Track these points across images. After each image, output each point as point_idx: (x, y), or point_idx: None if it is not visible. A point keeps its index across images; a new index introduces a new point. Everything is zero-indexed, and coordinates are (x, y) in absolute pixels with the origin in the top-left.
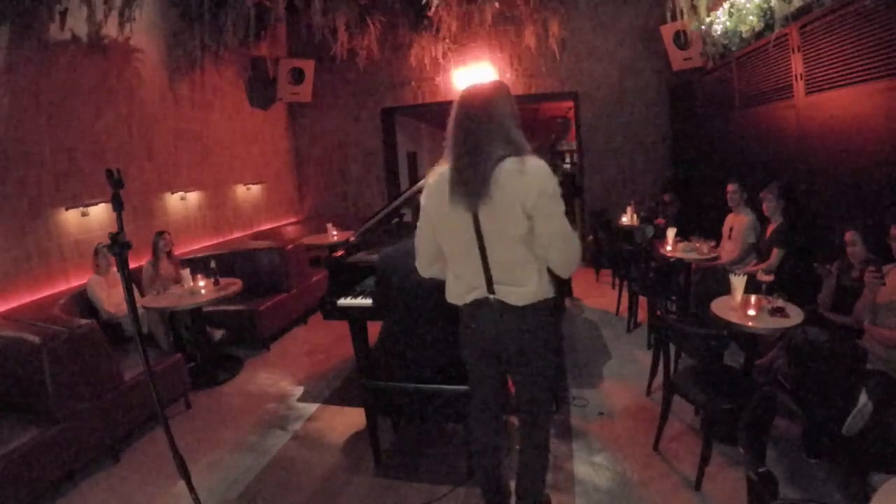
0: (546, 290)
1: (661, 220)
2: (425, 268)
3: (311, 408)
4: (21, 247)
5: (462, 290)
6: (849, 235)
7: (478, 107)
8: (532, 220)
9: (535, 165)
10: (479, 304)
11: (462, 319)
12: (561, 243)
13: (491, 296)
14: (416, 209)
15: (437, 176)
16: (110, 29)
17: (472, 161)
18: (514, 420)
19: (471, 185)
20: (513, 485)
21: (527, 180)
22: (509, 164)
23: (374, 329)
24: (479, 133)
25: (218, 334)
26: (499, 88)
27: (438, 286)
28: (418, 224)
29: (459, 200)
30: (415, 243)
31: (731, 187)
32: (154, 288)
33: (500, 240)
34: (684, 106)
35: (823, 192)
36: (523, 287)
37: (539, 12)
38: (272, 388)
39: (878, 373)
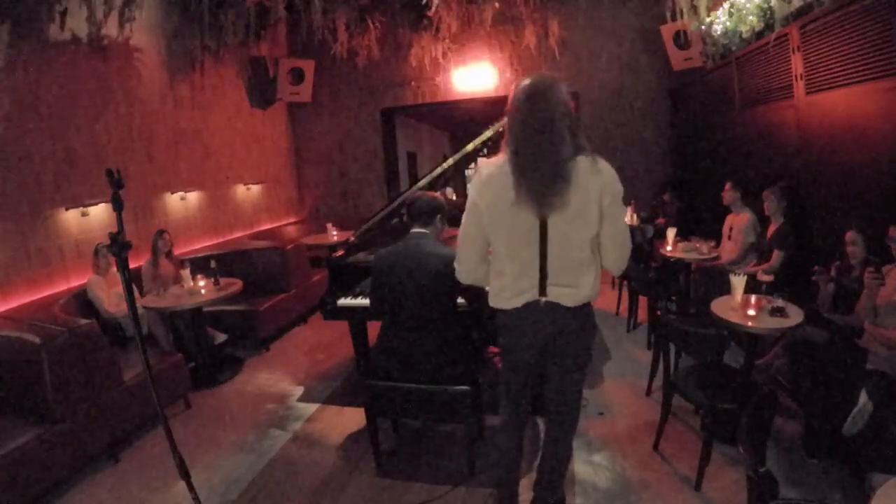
0: (597, 291)
1: (661, 220)
2: (469, 273)
3: (311, 408)
4: (21, 247)
5: (509, 293)
6: (849, 235)
7: (540, 104)
8: (603, 220)
9: (607, 165)
10: (527, 307)
11: (505, 324)
12: (622, 242)
13: (542, 298)
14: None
15: (494, 171)
16: (110, 29)
17: (543, 160)
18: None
19: (548, 190)
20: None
21: (603, 180)
22: (584, 163)
23: (374, 329)
24: (549, 130)
25: (221, 338)
26: (559, 85)
27: (433, 288)
28: (464, 223)
29: (528, 201)
30: (458, 245)
31: (726, 186)
32: (154, 288)
33: (568, 241)
34: (684, 106)
35: (823, 192)
36: (579, 288)
37: (539, 12)
38: (272, 388)
39: (878, 373)
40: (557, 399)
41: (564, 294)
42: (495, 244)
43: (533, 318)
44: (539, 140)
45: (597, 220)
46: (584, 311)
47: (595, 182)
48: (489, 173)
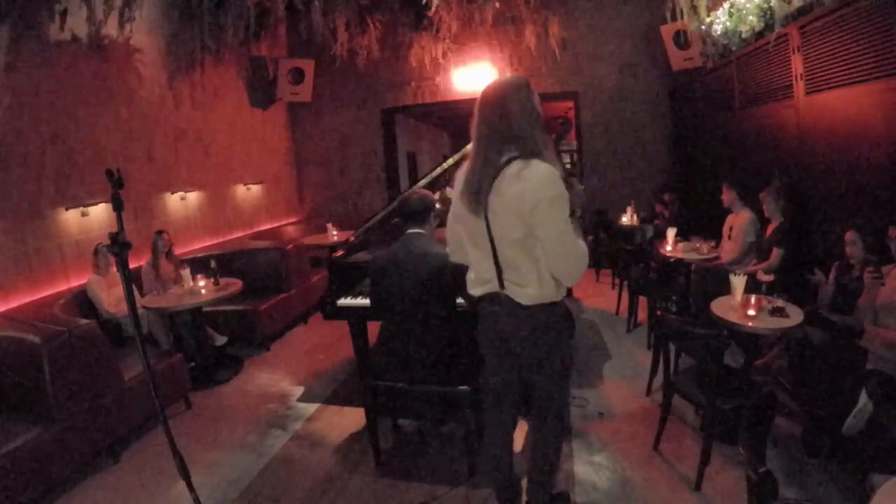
0: (548, 294)
1: (667, 199)
2: (453, 254)
3: (311, 408)
4: (21, 247)
5: (475, 282)
6: (849, 235)
7: (489, 107)
8: (531, 226)
9: (535, 171)
10: (491, 298)
11: (478, 313)
12: (560, 249)
13: (502, 291)
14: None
15: (461, 173)
16: (110, 29)
17: (478, 166)
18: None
19: (475, 190)
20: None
21: (524, 186)
22: (511, 168)
23: (374, 329)
24: (488, 135)
25: (220, 340)
26: (514, 85)
27: (432, 287)
28: (449, 213)
29: (466, 203)
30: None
31: (724, 187)
32: (154, 288)
33: (503, 242)
34: (684, 106)
35: (823, 192)
36: (524, 287)
37: (539, 12)
38: (272, 388)
39: (878, 373)
40: (537, 401)
41: (515, 292)
42: (463, 236)
43: (494, 310)
44: (478, 144)
45: (521, 225)
46: (547, 312)
47: (515, 188)
48: (459, 177)
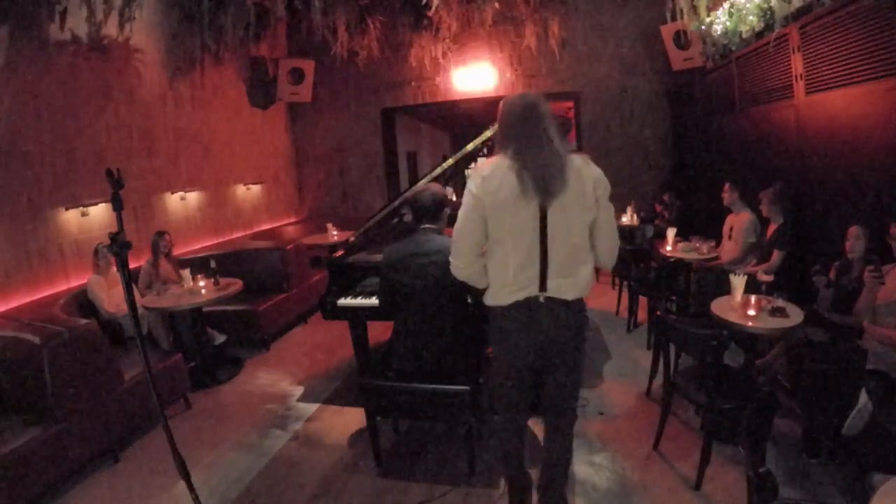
0: (591, 285)
1: (667, 199)
2: (465, 266)
3: (311, 408)
4: (21, 247)
5: (510, 289)
6: (853, 230)
7: (541, 109)
8: (596, 212)
9: (593, 163)
10: (526, 304)
11: (501, 325)
12: (612, 233)
13: (542, 294)
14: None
15: (496, 167)
16: (110, 29)
17: (547, 156)
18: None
19: (549, 178)
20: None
21: (596, 174)
22: (578, 160)
23: (374, 329)
24: (549, 131)
25: (220, 339)
26: (542, 98)
27: (448, 281)
28: (462, 218)
29: (533, 193)
30: (454, 238)
31: (725, 187)
32: (154, 288)
33: (568, 229)
34: (684, 106)
35: (823, 191)
36: (578, 278)
37: (539, 12)
38: (272, 388)
39: (878, 373)
40: (556, 400)
41: (565, 285)
42: (497, 234)
43: (532, 315)
44: (539, 142)
45: (593, 207)
46: (579, 308)
47: (588, 174)
48: (491, 168)
